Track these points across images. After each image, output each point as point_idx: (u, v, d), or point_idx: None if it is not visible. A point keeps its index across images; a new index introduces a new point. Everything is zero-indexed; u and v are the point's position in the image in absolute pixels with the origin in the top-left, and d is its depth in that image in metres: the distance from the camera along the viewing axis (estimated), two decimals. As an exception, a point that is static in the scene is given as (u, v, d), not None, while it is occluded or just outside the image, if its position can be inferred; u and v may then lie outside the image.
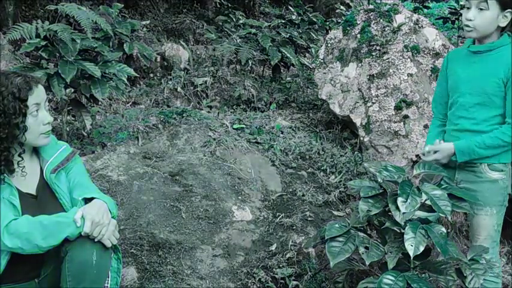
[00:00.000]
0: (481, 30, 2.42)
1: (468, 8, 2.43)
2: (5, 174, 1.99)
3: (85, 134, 3.76)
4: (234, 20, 6.80)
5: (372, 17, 4.14)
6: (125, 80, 3.64)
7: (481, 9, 2.39)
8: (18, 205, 1.98)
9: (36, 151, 2.15)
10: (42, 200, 2.09)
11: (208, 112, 4.48)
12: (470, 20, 2.41)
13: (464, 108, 2.50)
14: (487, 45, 2.45)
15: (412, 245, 2.13)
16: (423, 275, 2.38)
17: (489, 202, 2.47)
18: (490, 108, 2.45)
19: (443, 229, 2.23)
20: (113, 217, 2.05)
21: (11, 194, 1.99)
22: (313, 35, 5.94)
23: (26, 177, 2.08)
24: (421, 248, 2.14)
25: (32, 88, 2.01)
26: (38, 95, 2.04)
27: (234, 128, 3.91)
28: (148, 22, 6.49)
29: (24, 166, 2.07)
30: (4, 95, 1.95)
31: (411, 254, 2.13)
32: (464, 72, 2.52)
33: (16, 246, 1.90)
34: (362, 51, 4.06)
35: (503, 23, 2.41)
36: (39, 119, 2.05)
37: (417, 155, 3.68)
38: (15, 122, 1.96)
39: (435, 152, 2.49)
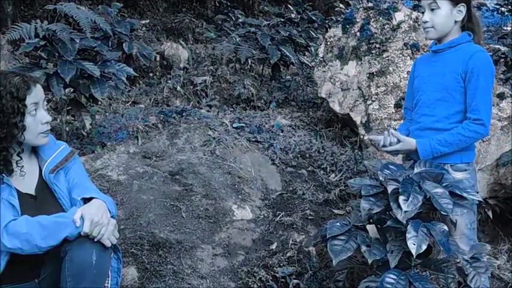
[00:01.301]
0: (439, 28, 2.48)
1: (423, 13, 2.53)
2: (3, 175, 1.99)
3: (84, 134, 3.75)
4: (234, 18, 6.79)
5: (371, 15, 4.13)
6: (125, 79, 3.63)
7: (433, 9, 2.47)
8: (17, 205, 1.98)
9: (34, 151, 2.15)
10: (41, 200, 2.08)
11: (208, 111, 4.47)
12: (427, 22, 2.49)
13: (426, 105, 2.54)
14: (447, 43, 2.51)
15: (415, 243, 2.12)
16: (424, 273, 2.37)
17: None
18: (451, 104, 2.47)
19: (445, 227, 2.22)
20: (112, 217, 2.04)
21: (10, 195, 1.98)
22: (313, 34, 5.92)
23: (25, 177, 2.07)
24: (424, 247, 2.13)
25: (30, 87, 2.01)
26: (36, 95, 2.04)
27: (233, 127, 3.90)
28: (147, 21, 6.49)
29: (22, 166, 2.06)
30: (2, 95, 1.95)
31: (414, 252, 2.12)
32: (426, 71, 2.58)
33: (15, 246, 1.89)
34: (362, 49, 4.05)
35: (459, 17, 2.48)
36: (37, 119, 2.04)
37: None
38: (13, 121, 1.96)
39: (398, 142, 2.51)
